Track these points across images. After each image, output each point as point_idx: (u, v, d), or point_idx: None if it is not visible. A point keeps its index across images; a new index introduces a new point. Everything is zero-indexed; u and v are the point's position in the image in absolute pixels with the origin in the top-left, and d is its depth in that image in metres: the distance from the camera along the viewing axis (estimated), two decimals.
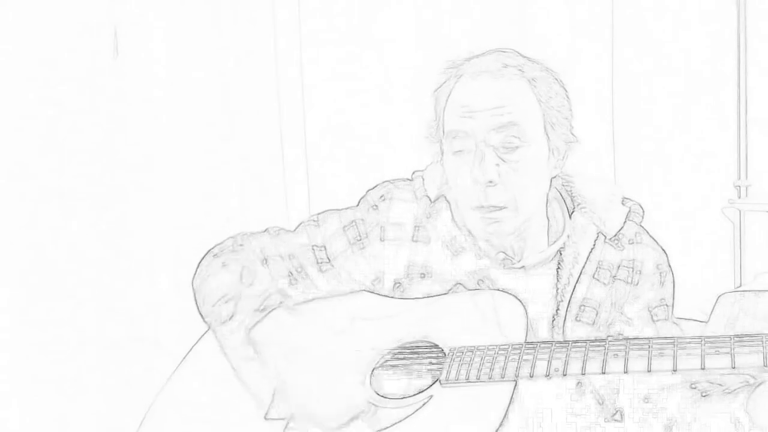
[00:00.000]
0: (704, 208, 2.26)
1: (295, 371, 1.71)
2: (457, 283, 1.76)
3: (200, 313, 1.81)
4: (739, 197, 2.26)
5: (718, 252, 2.26)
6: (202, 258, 1.85)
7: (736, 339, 1.51)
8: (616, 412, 1.67)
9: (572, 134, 1.78)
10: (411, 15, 2.33)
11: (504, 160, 1.71)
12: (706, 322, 1.88)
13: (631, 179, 2.29)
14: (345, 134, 2.37)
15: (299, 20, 2.37)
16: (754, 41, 2.23)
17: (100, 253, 2.26)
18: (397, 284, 1.79)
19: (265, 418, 1.70)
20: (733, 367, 1.48)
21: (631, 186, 2.28)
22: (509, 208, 1.72)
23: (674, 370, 1.52)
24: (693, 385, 1.64)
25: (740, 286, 2.21)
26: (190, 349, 1.81)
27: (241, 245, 1.84)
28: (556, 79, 1.76)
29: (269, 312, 1.76)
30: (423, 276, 1.78)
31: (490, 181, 1.70)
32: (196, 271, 1.84)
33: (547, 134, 1.73)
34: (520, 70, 1.74)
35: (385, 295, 1.79)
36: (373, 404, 1.67)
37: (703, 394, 1.62)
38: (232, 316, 1.75)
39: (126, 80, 2.29)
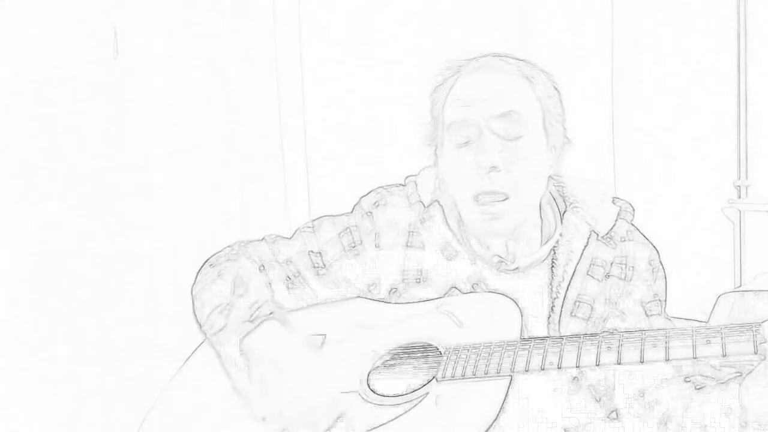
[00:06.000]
0: (704, 208, 2.26)
1: (285, 380, 1.71)
2: (452, 287, 1.76)
3: (197, 322, 1.81)
4: (739, 197, 2.25)
5: (718, 252, 2.25)
6: (201, 267, 1.85)
7: (727, 327, 1.51)
8: (612, 411, 1.67)
9: (566, 136, 1.78)
10: (411, 15, 2.34)
11: (507, 147, 1.71)
12: (706, 322, 1.88)
13: (631, 179, 2.29)
14: (345, 134, 2.37)
15: (299, 20, 2.37)
16: (754, 41, 2.23)
17: (99, 254, 2.27)
18: (393, 290, 1.79)
19: (264, 420, 1.70)
20: (724, 355, 1.48)
21: (631, 186, 2.28)
22: (511, 198, 1.71)
23: (667, 360, 1.52)
24: (687, 379, 1.64)
25: (740, 286, 2.21)
26: (193, 352, 1.81)
27: (237, 254, 1.84)
28: (551, 81, 1.77)
29: (261, 322, 1.75)
30: (418, 281, 1.78)
31: (494, 167, 1.70)
32: (195, 279, 1.84)
33: (545, 129, 1.74)
34: (518, 68, 1.75)
35: (381, 301, 1.79)
36: (370, 402, 1.67)
37: (697, 387, 1.62)
38: (223, 326, 1.75)
39: (126, 80, 2.29)
